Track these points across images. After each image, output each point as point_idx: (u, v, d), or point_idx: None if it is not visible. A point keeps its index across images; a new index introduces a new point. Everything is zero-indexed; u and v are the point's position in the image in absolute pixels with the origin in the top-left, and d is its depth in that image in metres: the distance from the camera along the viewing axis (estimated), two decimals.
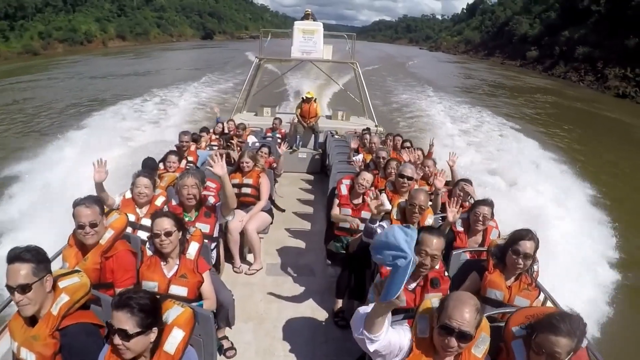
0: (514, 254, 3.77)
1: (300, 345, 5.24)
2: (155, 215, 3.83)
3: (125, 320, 2.44)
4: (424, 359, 2.71)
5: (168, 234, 3.67)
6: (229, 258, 6.66)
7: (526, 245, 3.74)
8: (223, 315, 4.53)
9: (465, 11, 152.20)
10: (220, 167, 4.55)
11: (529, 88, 48.75)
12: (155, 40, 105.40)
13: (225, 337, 4.95)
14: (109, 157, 5.48)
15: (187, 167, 7.58)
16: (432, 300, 2.90)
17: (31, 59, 56.46)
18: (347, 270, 5.60)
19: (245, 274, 6.70)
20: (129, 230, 4.48)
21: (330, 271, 6.61)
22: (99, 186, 5.05)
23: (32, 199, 10.65)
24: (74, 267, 3.56)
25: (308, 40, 13.56)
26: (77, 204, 3.66)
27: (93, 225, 3.61)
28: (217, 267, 5.28)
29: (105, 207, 4.94)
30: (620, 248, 10.49)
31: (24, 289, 2.63)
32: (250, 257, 7.03)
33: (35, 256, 2.72)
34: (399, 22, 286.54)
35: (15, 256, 2.68)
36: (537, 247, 3.80)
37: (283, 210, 9.01)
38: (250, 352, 5.05)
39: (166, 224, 3.68)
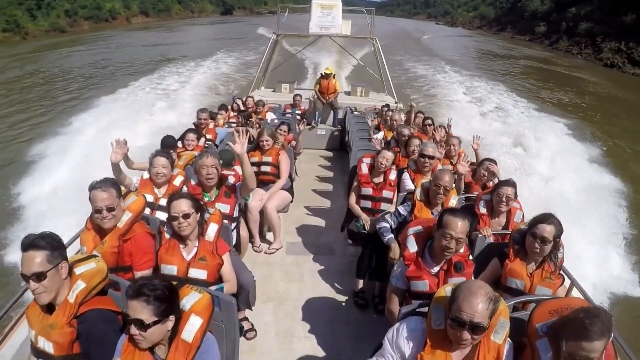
0: (532, 237, 3.64)
1: (320, 326, 5.21)
2: (172, 197, 3.73)
3: (140, 310, 2.37)
4: (439, 351, 2.58)
5: (186, 216, 3.56)
6: (249, 237, 6.58)
7: (545, 229, 3.58)
8: (244, 296, 4.50)
9: None
10: (240, 146, 4.47)
11: (521, 56, 53.36)
12: (177, 16, 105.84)
13: (246, 319, 4.94)
14: (128, 136, 5.43)
15: (206, 145, 7.52)
16: (446, 289, 2.76)
17: (58, 36, 57.41)
18: (368, 250, 5.56)
19: (265, 253, 6.69)
20: (147, 211, 4.42)
21: (351, 250, 6.56)
22: (116, 167, 4.96)
23: (54, 182, 10.74)
24: (91, 251, 3.52)
25: (326, 15, 13.33)
26: (93, 187, 3.56)
27: (110, 209, 3.52)
28: (237, 247, 5.20)
29: (122, 188, 4.95)
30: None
31: (39, 277, 2.57)
32: (269, 236, 6.99)
33: (49, 243, 2.64)
34: None
35: (30, 244, 2.60)
36: (558, 233, 3.63)
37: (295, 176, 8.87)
38: (270, 334, 5.03)
39: (184, 205, 3.57)
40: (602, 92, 33.09)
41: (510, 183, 4.71)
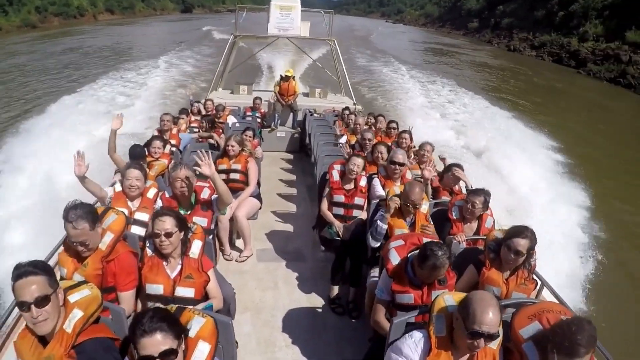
0: (507, 248, 3.81)
1: (300, 333, 5.25)
2: (156, 214, 3.66)
3: (163, 341, 2.26)
4: (443, 356, 2.76)
5: (168, 235, 3.50)
6: (219, 246, 6.57)
7: (519, 243, 3.76)
8: (225, 309, 4.42)
9: None
10: (207, 167, 4.40)
11: (446, 43, 65.74)
12: (140, 13, 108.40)
13: None
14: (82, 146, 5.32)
15: (171, 151, 7.44)
16: (445, 297, 2.94)
17: (30, 32, 60.20)
18: (341, 256, 5.64)
19: (236, 261, 6.67)
20: None
21: (320, 256, 6.65)
22: (83, 179, 4.79)
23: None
24: (72, 274, 3.45)
25: (285, 16, 13.24)
26: (65, 218, 3.38)
27: (84, 244, 3.41)
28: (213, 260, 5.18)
29: (99, 199, 4.94)
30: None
31: (43, 301, 2.45)
32: (239, 243, 6.99)
33: (44, 268, 2.56)
34: None
35: (25, 271, 2.48)
36: (532, 245, 3.82)
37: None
38: (252, 344, 5.05)
39: (167, 224, 3.50)
40: (503, 68, 43.36)
41: (480, 192, 4.88)
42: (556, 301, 4.17)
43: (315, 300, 5.88)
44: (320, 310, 5.72)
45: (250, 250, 6.81)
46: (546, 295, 4.38)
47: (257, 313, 5.57)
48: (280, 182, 10.07)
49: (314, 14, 15.65)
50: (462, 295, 2.88)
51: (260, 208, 7.13)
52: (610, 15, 48.88)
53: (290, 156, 12.15)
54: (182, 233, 3.64)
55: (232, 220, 6.57)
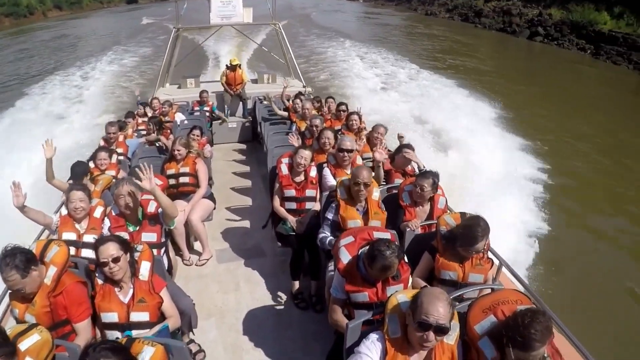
0: (465, 251, 3.84)
1: (266, 334, 5.22)
2: (97, 242, 3.54)
3: None
4: (400, 357, 2.74)
5: (116, 260, 3.42)
6: (177, 251, 6.45)
7: (478, 247, 3.77)
8: (185, 321, 4.43)
9: None
10: (147, 182, 4.30)
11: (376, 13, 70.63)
12: (88, 7, 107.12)
13: (192, 341, 4.85)
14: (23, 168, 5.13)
15: (119, 160, 7.25)
16: (398, 297, 2.91)
17: None
18: (299, 251, 5.60)
19: (196, 265, 6.58)
20: (72, 250, 4.32)
21: (280, 250, 6.56)
22: (22, 209, 4.65)
23: None
24: (23, 313, 3.38)
25: (227, 4, 12.93)
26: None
27: (18, 291, 3.33)
28: (170, 271, 5.06)
29: (45, 225, 4.83)
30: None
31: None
32: (197, 246, 6.89)
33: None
34: None
35: None
36: (487, 237, 3.82)
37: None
38: (219, 351, 4.99)
39: (111, 249, 3.42)
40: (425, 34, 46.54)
41: (428, 175, 4.83)
42: (514, 280, 4.21)
43: (278, 297, 5.85)
44: (284, 306, 5.69)
45: (209, 253, 6.72)
46: (505, 274, 4.40)
47: (221, 317, 5.50)
48: (234, 176, 9.96)
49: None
50: (415, 292, 2.86)
51: (215, 208, 7.04)
52: None
53: (244, 146, 12.03)
54: (128, 254, 3.57)
55: (187, 224, 6.46)
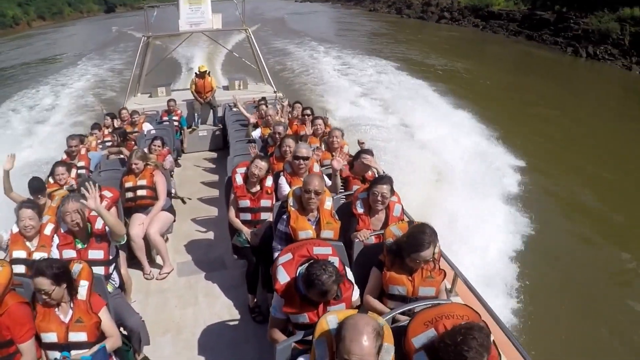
0: (412, 262, 3.67)
1: (222, 349, 5.12)
2: (32, 272, 3.46)
3: None
4: None
5: (47, 293, 3.38)
6: (137, 265, 6.38)
7: (425, 255, 3.60)
8: (136, 339, 4.40)
9: None
10: (92, 201, 4.21)
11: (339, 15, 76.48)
12: (70, 17, 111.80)
13: (146, 358, 4.74)
14: None
15: (78, 174, 7.11)
16: (329, 318, 2.75)
17: None
18: (254, 263, 5.50)
19: (157, 279, 6.45)
20: (22, 269, 4.32)
21: (242, 262, 6.46)
22: None
23: None
24: None
25: (195, 10, 12.78)
26: None
27: None
28: (122, 287, 5.00)
29: None
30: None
31: None
32: (159, 259, 6.74)
33: None
34: None
35: None
36: (436, 244, 3.67)
37: (185, 203, 8.63)
38: None
39: (43, 284, 3.37)
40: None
41: (385, 180, 4.70)
42: (470, 293, 4.12)
43: (236, 311, 5.75)
44: (241, 321, 5.59)
45: (170, 266, 6.60)
46: (460, 285, 4.31)
47: (177, 333, 5.39)
48: (202, 185, 9.84)
49: (225, 3, 15.28)
50: (348, 312, 2.73)
51: (175, 220, 6.94)
52: None
53: (214, 155, 11.91)
54: (64, 284, 3.48)
55: (146, 237, 6.35)
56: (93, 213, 4.56)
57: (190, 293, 6.14)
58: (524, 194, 10.91)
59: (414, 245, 3.61)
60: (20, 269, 4.30)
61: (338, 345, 2.46)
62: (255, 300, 5.62)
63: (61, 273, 3.48)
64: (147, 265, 6.50)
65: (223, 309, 5.80)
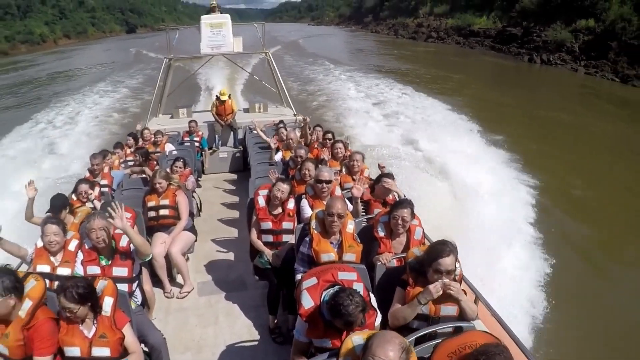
0: (436, 273, 3.64)
1: None
2: (58, 289, 3.53)
3: None
4: None
5: (71, 311, 3.45)
6: (158, 283, 6.42)
7: (447, 263, 3.60)
8: (157, 356, 4.45)
9: None
10: (119, 220, 4.34)
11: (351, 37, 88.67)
12: (93, 37, 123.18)
13: None
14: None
15: (101, 192, 7.22)
16: (354, 339, 2.80)
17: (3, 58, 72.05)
18: (276, 284, 5.53)
19: (177, 298, 6.51)
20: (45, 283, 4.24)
21: (262, 283, 6.49)
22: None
23: None
24: None
25: (217, 34, 12.99)
26: None
27: None
28: (145, 304, 5.07)
29: (20, 258, 4.87)
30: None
31: None
32: (180, 278, 6.80)
33: None
34: (302, 3, 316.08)
35: None
36: (456, 256, 3.70)
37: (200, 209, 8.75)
38: None
39: (68, 304, 3.43)
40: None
41: (405, 204, 4.75)
42: (491, 316, 4.11)
43: (257, 331, 5.76)
44: (261, 341, 5.60)
45: (190, 285, 6.65)
46: (482, 308, 4.29)
47: (197, 352, 5.43)
48: (222, 207, 9.91)
49: (243, 26, 15.49)
50: (370, 333, 2.77)
51: (196, 240, 7.01)
52: (437, 1, 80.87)
53: (234, 176, 12.02)
54: (89, 304, 3.55)
55: (168, 256, 6.43)
56: (118, 231, 4.66)
57: (211, 312, 6.18)
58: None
59: (434, 254, 3.66)
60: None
61: (363, 354, 2.54)
62: (275, 321, 5.63)
63: (86, 293, 3.54)
64: (167, 284, 6.56)
65: (243, 329, 5.83)
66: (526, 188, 12.17)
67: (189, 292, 6.59)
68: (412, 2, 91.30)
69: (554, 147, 17.88)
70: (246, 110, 14.47)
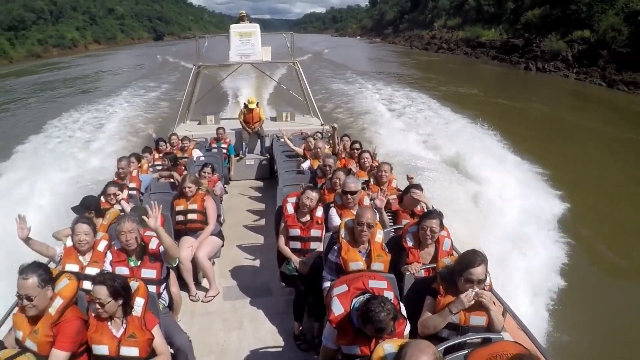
0: (467, 282, 3.65)
1: None
2: (93, 280, 3.63)
3: None
4: None
5: (102, 304, 3.50)
6: (184, 286, 6.46)
7: (478, 272, 3.61)
8: (182, 358, 4.46)
9: (369, 3, 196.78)
10: (154, 220, 4.41)
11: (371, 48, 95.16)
12: (122, 43, 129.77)
13: None
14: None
15: (129, 195, 7.29)
16: (385, 346, 2.82)
17: (35, 61, 76.66)
18: (302, 291, 5.54)
19: (202, 301, 6.55)
20: None
21: (288, 289, 6.50)
22: (27, 241, 4.76)
23: None
24: (26, 338, 3.47)
25: (246, 42, 13.14)
26: (19, 272, 3.48)
27: (28, 298, 3.41)
28: (171, 307, 5.12)
29: (49, 257, 4.90)
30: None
31: None
32: (205, 282, 6.85)
33: None
34: (326, 14, 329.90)
35: None
36: (487, 266, 3.70)
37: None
38: None
39: (101, 295, 3.49)
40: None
41: (434, 215, 4.73)
42: (517, 326, 4.09)
43: (281, 337, 5.78)
44: (286, 347, 5.61)
45: (215, 290, 6.70)
46: (510, 320, 4.26)
47: (221, 356, 5.46)
48: (248, 213, 9.96)
49: (274, 36, 15.59)
50: (404, 342, 2.77)
51: (223, 245, 7.06)
52: (451, 15, 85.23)
53: (260, 184, 12.07)
54: (120, 299, 3.60)
55: (195, 260, 6.47)
56: (148, 233, 4.72)
57: (235, 317, 6.21)
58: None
59: (465, 263, 3.67)
60: None
61: None
62: (300, 328, 5.65)
63: (121, 289, 3.60)
64: (193, 288, 6.62)
65: (268, 334, 5.84)
66: (551, 198, 12.19)
67: (214, 297, 6.63)
68: (429, 15, 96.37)
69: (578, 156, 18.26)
70: (273, 119, 14.53)
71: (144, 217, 4.48)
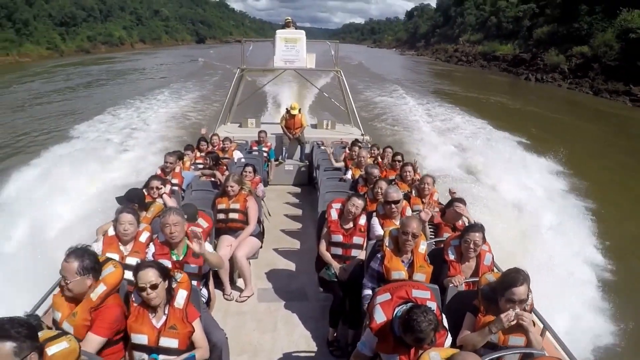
0: (509, 302, 3.59)
1: None
2: (138, 267, 3.62)
3: None
4: None
5: (154, 286, 3.49)
6: (219, 285, 6.50)
7: (520, 292, 3.55)
8: (216, 355, 4.38)
9: (405, 16, 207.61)
10: (197, 246, 4.38)
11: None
12: (166, 43, 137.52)
13: None
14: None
15: (172, 190, 7.38)
16: (431, 355, 2.79)
17: (84, 56, 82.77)
18: (340, 298, 5.51)
19: (236, 301, 6.58)
20: None
21: (323, 295, 6.49)
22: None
23: None
24: (65, 318, 3.50)
25: (291, 48, 13.14)
26: (65, 253, 3.54)
27: (65, 280, 3.47)
28: (208, 303, 5.11)
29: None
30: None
31: None
32: (240, 282, 6.89)
33: (20, 332, 2.50)
34: (364, 25, 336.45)
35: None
36: (529, 285, 3.63)
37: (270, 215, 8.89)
38: None
39: (151, 276, 3.49)
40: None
41: (477, 228, 4.69)
42: (557, 346, 4.02)
43: (315, 343, 5.76)
44: (319, 352, 5.59)
45: (250, 290, 6.72)
46: (549, 339, 4.18)
47: (253, 356, 5.46)
48: (285, 218, 9.99)
49: (317, 44, 15.66)
50: (450, 352, 2.74)
51: (262, 247, 7.08)
52: (476, 30, 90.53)
53: (298, 190, 12.10)
54: (167, 282, 3.61)
55: (232, 259, 6.50)
56: (192, 228, 4.74)
57: (270, 319, 6.21)
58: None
59: (507, 282, 3.60)
60: None
61: None
62: (335, 334, 5.63)
63: (166, 271, 3.65)
64: (228, 287, 6.64)
65: (301, 338, 5.83)
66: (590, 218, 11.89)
67: (248, 297, 6.65)
68: (456, 30, 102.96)
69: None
70: (314, 126, 14.53)
71: (188, 243, 4.56)
